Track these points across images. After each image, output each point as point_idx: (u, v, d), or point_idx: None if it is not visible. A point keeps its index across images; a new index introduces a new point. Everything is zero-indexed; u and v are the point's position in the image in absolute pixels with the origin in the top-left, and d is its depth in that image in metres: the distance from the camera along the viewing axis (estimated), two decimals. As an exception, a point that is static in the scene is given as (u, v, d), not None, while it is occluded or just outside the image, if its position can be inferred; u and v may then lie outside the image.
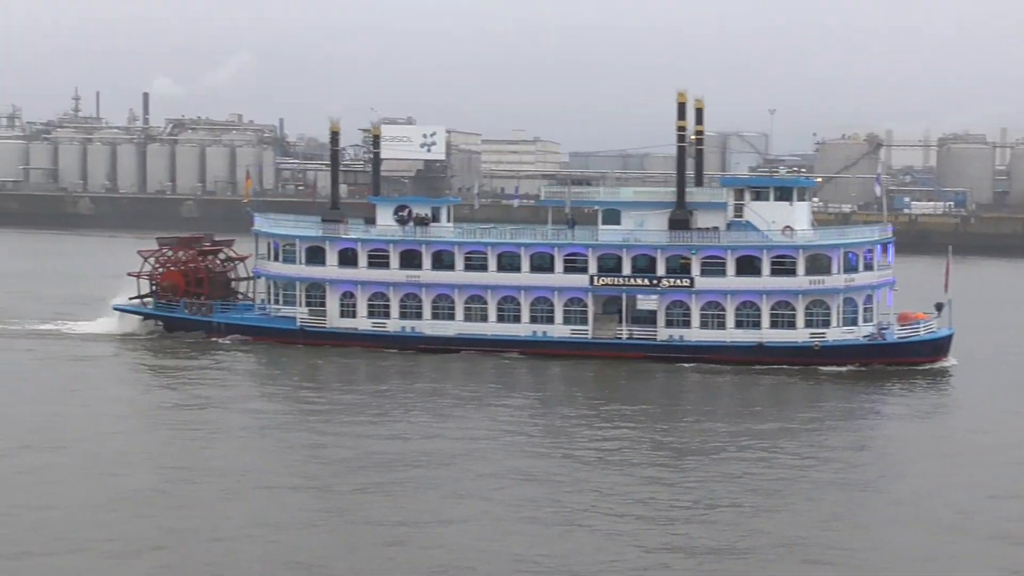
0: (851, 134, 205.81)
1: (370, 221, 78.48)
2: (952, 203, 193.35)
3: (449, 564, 36.58)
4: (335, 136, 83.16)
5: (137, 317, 79.07)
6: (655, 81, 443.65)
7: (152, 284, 79.68)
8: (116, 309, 79.27)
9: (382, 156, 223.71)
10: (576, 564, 36.66)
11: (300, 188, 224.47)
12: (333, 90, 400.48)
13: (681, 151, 76.90)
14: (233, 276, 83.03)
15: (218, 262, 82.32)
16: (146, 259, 79.90)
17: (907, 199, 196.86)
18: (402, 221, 76.91)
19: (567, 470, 47.16)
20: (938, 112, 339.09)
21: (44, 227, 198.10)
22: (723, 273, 72.51)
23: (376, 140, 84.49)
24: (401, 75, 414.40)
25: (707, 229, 73.64)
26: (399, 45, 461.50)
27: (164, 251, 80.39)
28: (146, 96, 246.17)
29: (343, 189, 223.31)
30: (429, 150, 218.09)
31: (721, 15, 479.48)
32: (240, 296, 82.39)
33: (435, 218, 77.34)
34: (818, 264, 72.18)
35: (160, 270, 79.89)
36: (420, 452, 49.21)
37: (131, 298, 79.28)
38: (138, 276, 79.61)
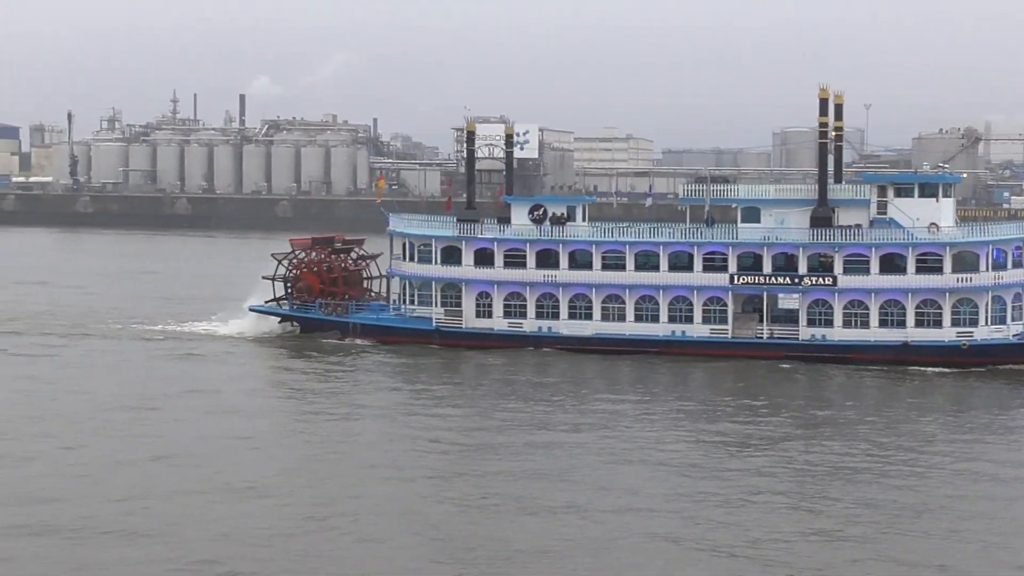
0: (949, 128, 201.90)
1: (501, 220, 77.61)
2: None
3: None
4: (471, 136, 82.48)
5: (273, 318, 78.81)
6: (745, 77, 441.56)
7: (287, 286, 79.31)
8: (252, 310, 79.00)
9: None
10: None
11: (394, 187, 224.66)
12: (429, 89, 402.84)
13: (823, 147, 75.31)
14: (366, 275, 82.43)
15: (350, 261, 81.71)
16: (280, 261, 79.56)
17: (1007, 193, 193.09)
18: (537, 220, 75.96)
19: (708, 472, 46.01)
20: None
21: (143, 228, 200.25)
22: (867, 271, 70.87)
23: (509, 139, 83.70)
24: (495, 74, 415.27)
25: (850, 227, 72.02)
26: (492, 44, 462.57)
27: (297, 253, 79.95)
28: (242, 98, 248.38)
29: (436, 187, 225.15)
30: (522, 148, 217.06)
31: (816, 9, 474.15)
32: (372, 295, 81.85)
33: (570, 217, 76.24)
34: (965, 261, 70.33)
35: (294, 272, 79.44)
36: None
37: (267, 301, 78.95)
38: (272, 279, 79.22)
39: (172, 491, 42.49)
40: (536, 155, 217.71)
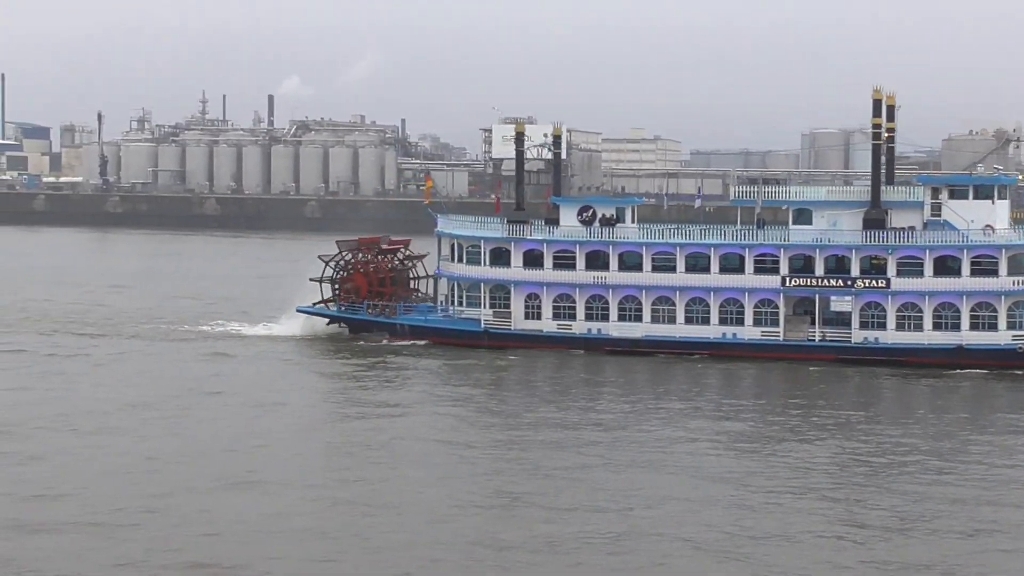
0: (979, 129, 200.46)
1: (549, 221, 77.01)
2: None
3: None
4: (520, 136, 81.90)
5: (321, 319, 78.31)
6: (774, 77, 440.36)
7: (334, 287, 78.79)
8: (299, 312, 78.51)
9: (500, 156, 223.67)
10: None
11: (420, 188, 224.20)
12: (458, 90, 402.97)
13: (876, 149, 74.53)
14: (412, 276, 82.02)
15: (397, 262, 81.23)
16: (327, 263, 79.07)
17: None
18: (586, 222, 75.32)
19: (756, 477, 45.26)
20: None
21: (171, 228, 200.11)
22: (920, 273, 70.08)
23: (557, 140, 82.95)
24: (522, 74, 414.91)
25: (903, 228, 71.21)
26: (523, 45, 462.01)
27: (344, 254, 79.46)
28: (271, 99, 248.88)
29: (464, 187, 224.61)
30: (550, 150, 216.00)
31: (840, 9, 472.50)
32: (418, 295, 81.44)
33: (619, 218, 75.58)
34: (1021, 264, 69.46)
35: (342, 274, 78.94)
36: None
37: (316, 303, 78.43)
38: (320, 281, 78.78)
39: (212, 486, 42.69)
40: (564, 156, 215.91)
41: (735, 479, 44.72)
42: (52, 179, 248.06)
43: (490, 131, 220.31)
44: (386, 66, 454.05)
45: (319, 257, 79.83)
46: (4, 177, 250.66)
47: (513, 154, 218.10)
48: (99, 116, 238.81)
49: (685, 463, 47.01)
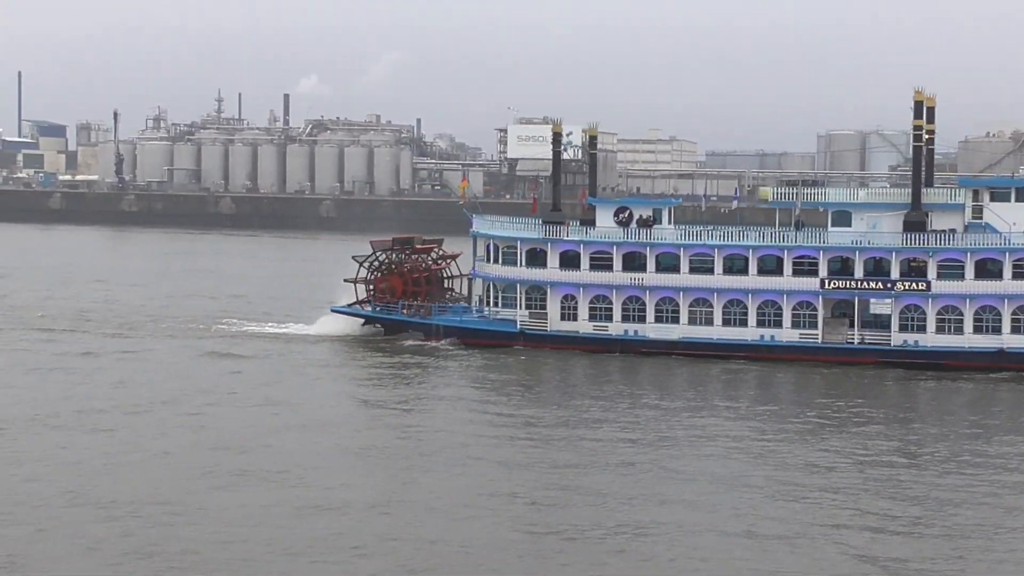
0: (996, 131, 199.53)
1: (585, 222, 76.43)
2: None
3: None
4: (557, 137, 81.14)
5: (355, 319, 77.71)
6: (774, 78, 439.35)
7: (368, 288, 78.19)
8: (334, 311, 77.93)
9: (516, 156, 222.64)
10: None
11: (436, 188, 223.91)
12: (474, 90, 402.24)
13: (917, 151, 73.75)
14: (445, 275, 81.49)
15: (431, 262, 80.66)
16: (361, 263, 78.49)
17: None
18: (623, 223, 74.66)
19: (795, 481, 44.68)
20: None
21: (187, 227, 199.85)
22: (961, 276, 69.37)
23: (592, 141, 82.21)
24: (537, 74, 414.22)
25: (944, 231, 70.51)
26: (540, 45, 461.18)
27: (378, 254, 78.85)
28: (286, 98, 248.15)
29: (479, 187, 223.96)
30: (566, 150, 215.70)
31: (840, 9, 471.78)
32: (451, 294, 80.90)
33: (656, 219, 74.92)
34: (1064, 267, 68.80)
35: (376, 274, 78.36)
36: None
37: (351, 303, 77.88)
38: (355, 281, 78.22)
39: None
40: (580, 157, 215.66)
41: (769, 483, 44.24)
42: (68, 177, 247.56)
43: (505, 131, 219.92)
44: (403, 65, 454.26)
45: (353, 258, 79.25)
46: (20, 175, 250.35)
47: (529, 154, 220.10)
48: (115, 115, 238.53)
49: (718, 468, 46.46)
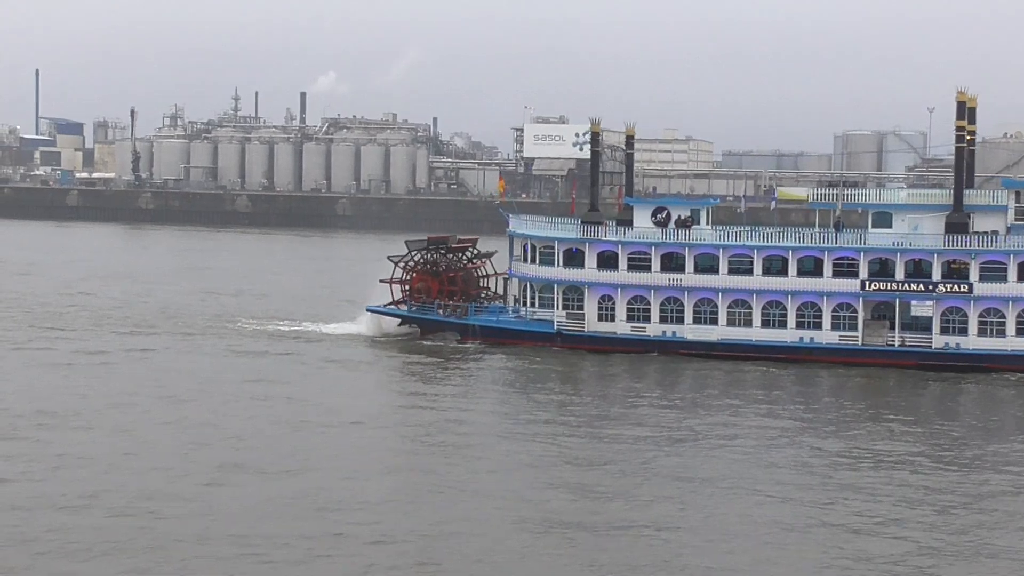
0: (1014, 132, 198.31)
1: (622, 222, 75.71)
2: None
3: None
4: (595, 137, 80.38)
5: (392, 320, 77.19)
6: (805, 77, 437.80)
7: (403, 289, 77.58)
8: (370, 311, 77.33)
9: (532, 155, 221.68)
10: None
11: (452, 187, 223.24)
12: (492, 88, 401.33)
13: (960, 152, 72.94)
14: (482, 274, 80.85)
15: (467, 261, 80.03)
16: (396, 264, 77.88)
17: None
18: (661, 223, 73.97)
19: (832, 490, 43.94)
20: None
21: (203, 224, 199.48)
22: (1004, 279, 68.54)
23: (629, 140, 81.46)
24: (558, 74, 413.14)
25: (986, 233, 69.70)
26: (558, 44, 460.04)
27: (413, 254, 78.24)
28: (303, 96, 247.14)
29: (495, 186, 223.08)
30: (581, 149, 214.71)
31: (882, 5, 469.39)
32: (486, 294, 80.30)
33: (694, 220, 74.23)
34: (1108, 270, 67.99)
35: (412, 274, 77.74)
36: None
37: (387, 304, 77.33)
38: (390, 282, 77.62)
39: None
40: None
41: (812, 486, 43.60)
42: (85, 175, 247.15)
43: (521, 130, 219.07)
44: (420, 63, 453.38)
45: (388, 258, 78.75)
46: (38, 172, 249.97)
47: (545, 153, 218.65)
48: (132, 112, 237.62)
49: (755, 471, 45.95)
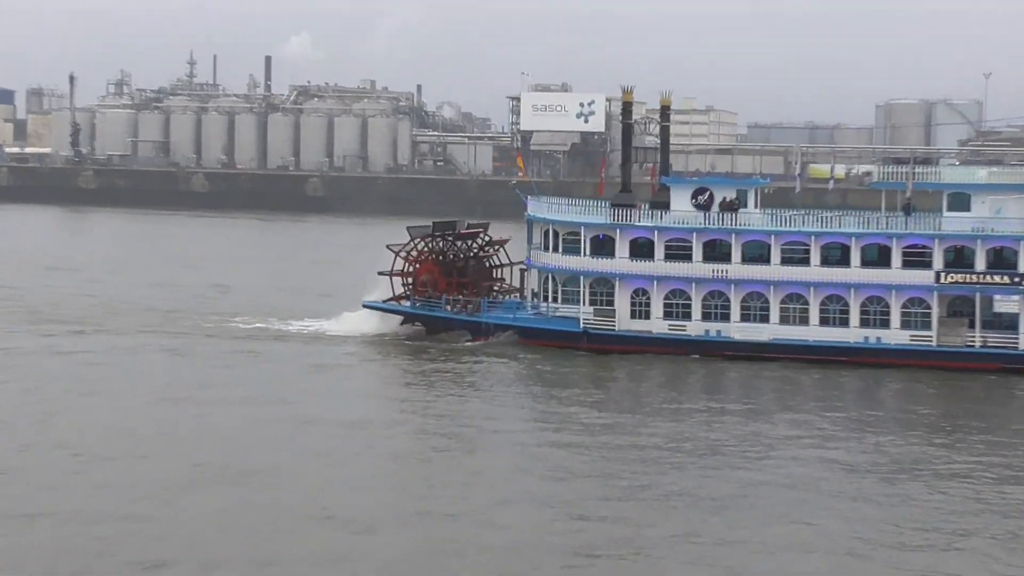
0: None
1: (657, 205, 74.91)
2: None
3: None
4: (627, 107, 79.26)
5: (393, 316, 76.52)
6: (842, 39, 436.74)
7: (405, 282, 76.88)
8: (367, 307, 76.55)
9: (530, 128, 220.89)
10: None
11: (439, 164, 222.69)
12: (481, 55, 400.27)
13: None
14: (496, 264, 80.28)
15: (478, 249, 79.35)
16: (397, 253, 77.10)
17: None
18: (702, 206, 73.23)
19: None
20: None
21: (154, 206, 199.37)
22: (1103, 269, 68.09)
23: (665, 111, 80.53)
24: (559, 38, 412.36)
25: (1081, 217, 69.16)
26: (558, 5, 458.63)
27: (417, 242, 77.40)
28: (268, 60, 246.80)
29: (488, 163, 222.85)
30: (586, 121, 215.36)
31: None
32: (504, 287, 79.85)
33: (741, 202, 73.46)
34: None
35: (415, 266, 77.00)
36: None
37: (387, 299, 76.72)
38: (391, 274, 76.90)
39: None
40: (602, 128, 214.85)
41: (878, 508, 42.98)
42: (16, 150, 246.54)
43: (518, 100, 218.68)
44: (405, 25, 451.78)
45: (388, 247, 77.83)
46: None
47: (545, 126, 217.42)
48: (71, 78, 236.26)
49: (812, 493, 45.21)
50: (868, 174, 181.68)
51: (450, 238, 78.21)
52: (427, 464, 48.58)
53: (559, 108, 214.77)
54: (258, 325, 77.48)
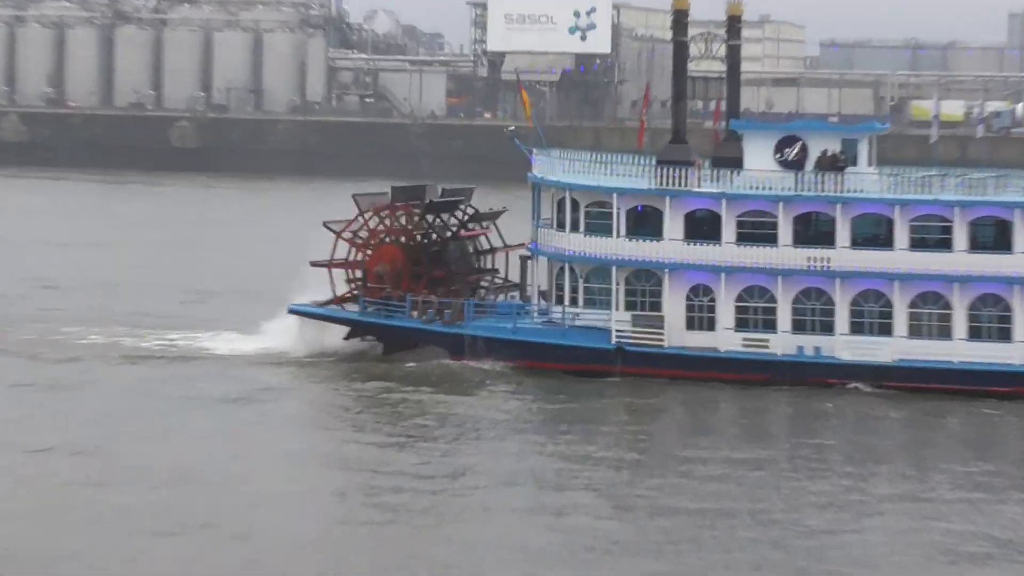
0: None
1: (723, 162, 74.93)
2: None
3: None
4: (680, 17, 78.22)
5: (334, 327, 76.97)
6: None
7: (351, 276, 77.67)
8: (293, 312, 76.77)
9: (500, 49, 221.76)
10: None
11: (368, 100, 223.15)
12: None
13: None
14: (484, 248, 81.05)
15: (456, 226, 79.73)
16: (338, 234, 77.22)
17: None
18: (791, 164, 73.33)
19: None
20: None
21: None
22: None
23: (733, 24, 79.95)
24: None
25: None
26: None
27: (367, 216, 77.40)
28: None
29: (440, 98, 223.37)
30: (584, 37, 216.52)
31: None
32: (492, 282, 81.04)
33: (848, 158, 73.76)
34: None
35: (366, 251, 77.40)
36: None
37: (323, 302, 77.34)
38: (329, 265, 77.20)
39: None
40: (608, 49, 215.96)
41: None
42: None
43: (484, 7, 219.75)
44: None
45: (325, 225, 78.05)
46: None
47: (522, 45, 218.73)
48: None
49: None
50: (998, 114, 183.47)
51: (417, 210, 78.12)
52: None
53: (544, 19, 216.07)
54: (100, 340, 78.53)
